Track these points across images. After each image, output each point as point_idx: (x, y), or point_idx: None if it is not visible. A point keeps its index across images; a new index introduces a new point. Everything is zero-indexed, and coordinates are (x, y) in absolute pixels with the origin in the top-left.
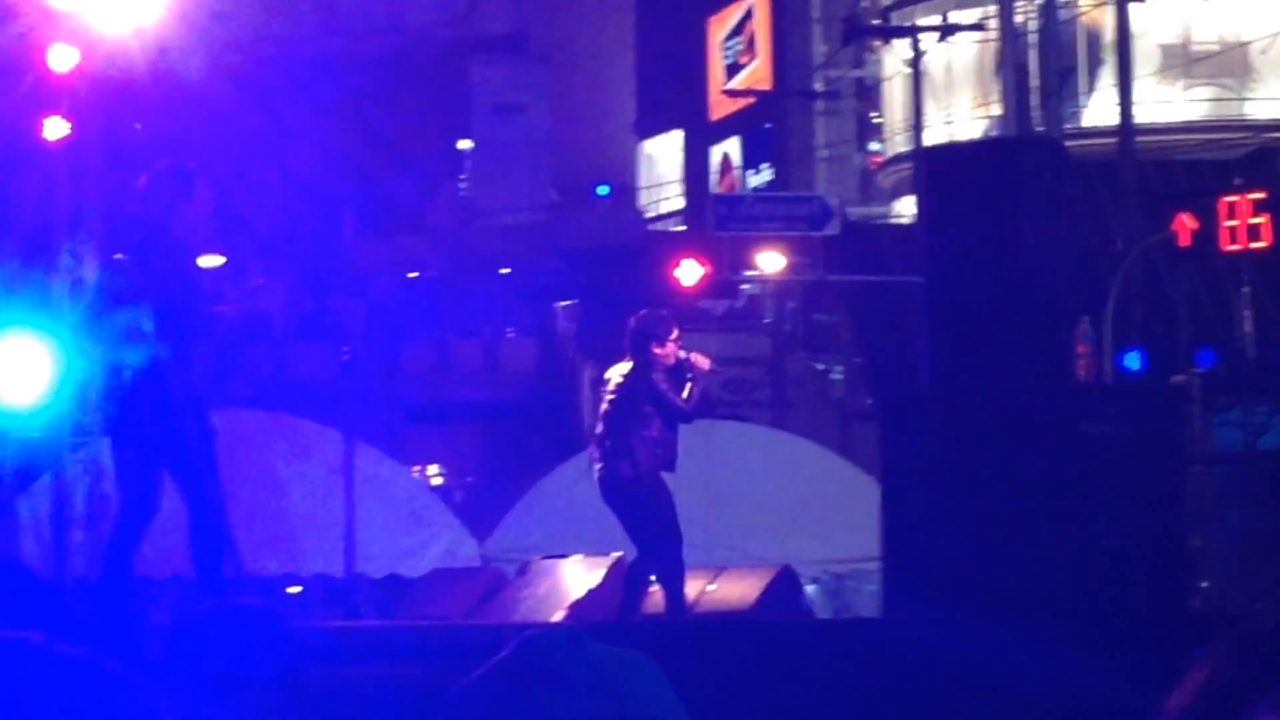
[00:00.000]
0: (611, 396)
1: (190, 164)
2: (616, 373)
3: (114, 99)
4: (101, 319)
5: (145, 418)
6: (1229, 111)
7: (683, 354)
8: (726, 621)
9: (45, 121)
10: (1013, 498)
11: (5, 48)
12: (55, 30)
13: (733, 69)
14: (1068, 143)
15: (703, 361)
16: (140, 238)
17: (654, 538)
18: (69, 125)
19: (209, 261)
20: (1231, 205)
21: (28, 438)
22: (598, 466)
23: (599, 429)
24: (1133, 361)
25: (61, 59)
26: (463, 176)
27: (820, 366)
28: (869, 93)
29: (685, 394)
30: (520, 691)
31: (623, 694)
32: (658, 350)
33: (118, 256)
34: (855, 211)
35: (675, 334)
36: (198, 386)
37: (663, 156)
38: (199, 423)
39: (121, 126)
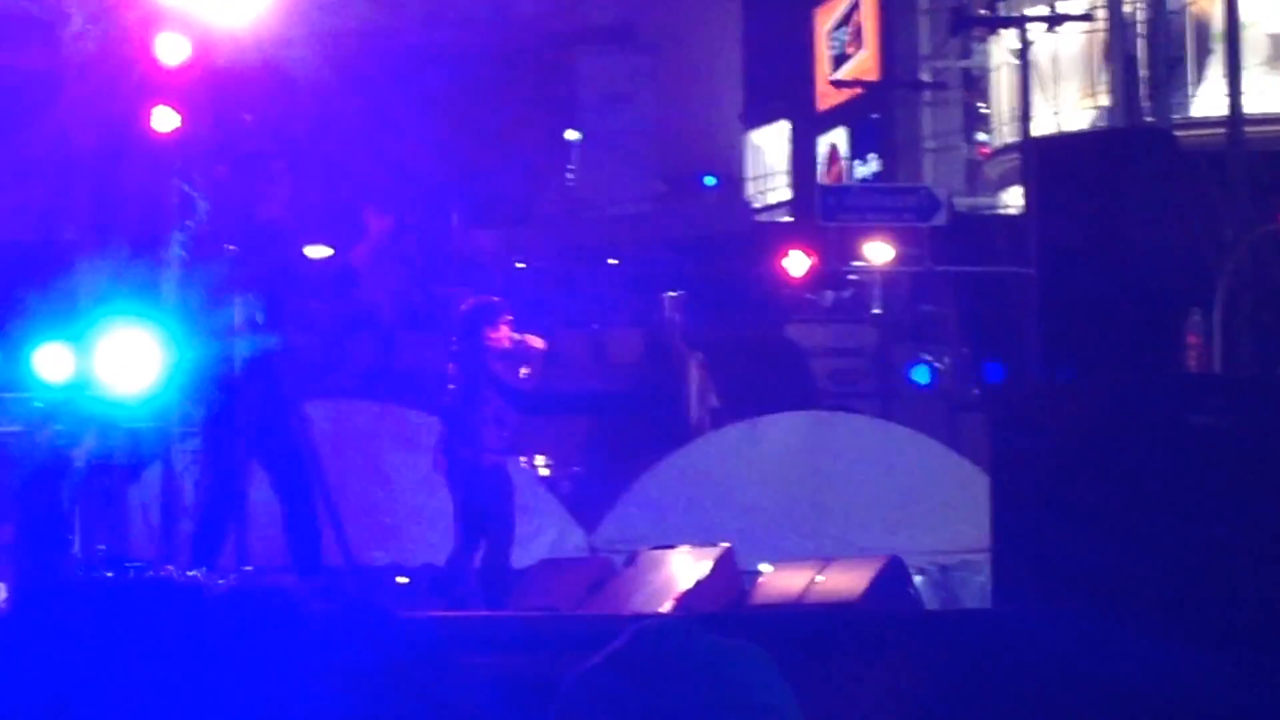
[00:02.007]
0: (451, 385)
1: (269, 150)
2: (455, 361)
3: (223, 89)
4: (199, 309)
5: (243, 408)
6: None
7: (516, 336)
8: (834, 612)
9: (154, 112)
10: (1122, 489)
11: (114, 39)
12: (164, 21)
13: (839, 59)
14: (1176, 133)
15: (536, 341)
16: (225, 226)
17: (489, 527)
18: (178, 116)
19: (316, 251)
20: None
21: (137, 428)
22: (441, 452)
23: (443, 417)
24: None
25: (170, 50)
26: (570, 167)
27: (927, 357)
28: (976, 83)
29: (522, 374)
30: (634, 681)
31: (735, 684)
32: (491, 334)
33: (230, 247)
34: (962, 202)
35: (508, 317)
36: (295, 377)
37: (770, 147)
38: (295, 413)
39: (230, 117)
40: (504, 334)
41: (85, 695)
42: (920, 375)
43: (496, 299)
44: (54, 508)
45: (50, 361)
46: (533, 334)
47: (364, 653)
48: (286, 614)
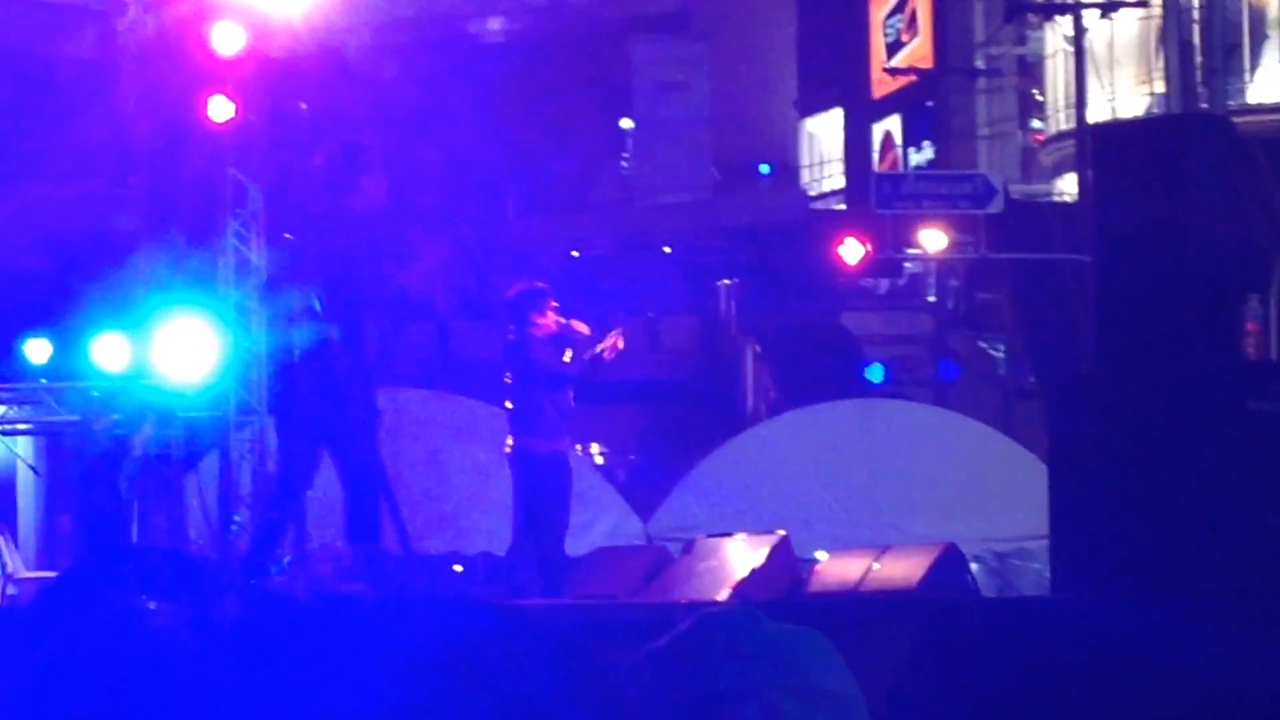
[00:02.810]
0: (507, 373)
1: (364, 140)
2: (508, 349)
3: (279, 78)
4: (273, 299)
5: (311, 396)
6: None
7: (562, 320)
8: (890, 600)
9: (210, 101)
10: (1180, 476)
11: (170, 28)
12: (220, 10)
13: (894, 47)
14: (1232, 119)
15: (581, 326)
16: (315, 216)
17: (543, 514)
18: (234, 105)
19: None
20: None
21: (194, 417)
22: (508, 441)
23: (508, 405)
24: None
25: (226, 39)
26: (624, 155)
27: (980, 344)
28: (1031, 70)
29: (566, 358)
30: (697, 666)
31: (798, 669)
32: (539, 320)
33: (286, 236)
34: (1017, 189)
35: (553, 303)
36: (367, 367)
37: (824, 134)
38: (364, 403)
39: (286, 106)
40: (550, 320)
41: (139, 681)
42: (874, 374)
43: (541, 284)
44: (112, 496)
45: (108, 351)
46: (579, 320)
47: (420, 640)
48: (342, 602)
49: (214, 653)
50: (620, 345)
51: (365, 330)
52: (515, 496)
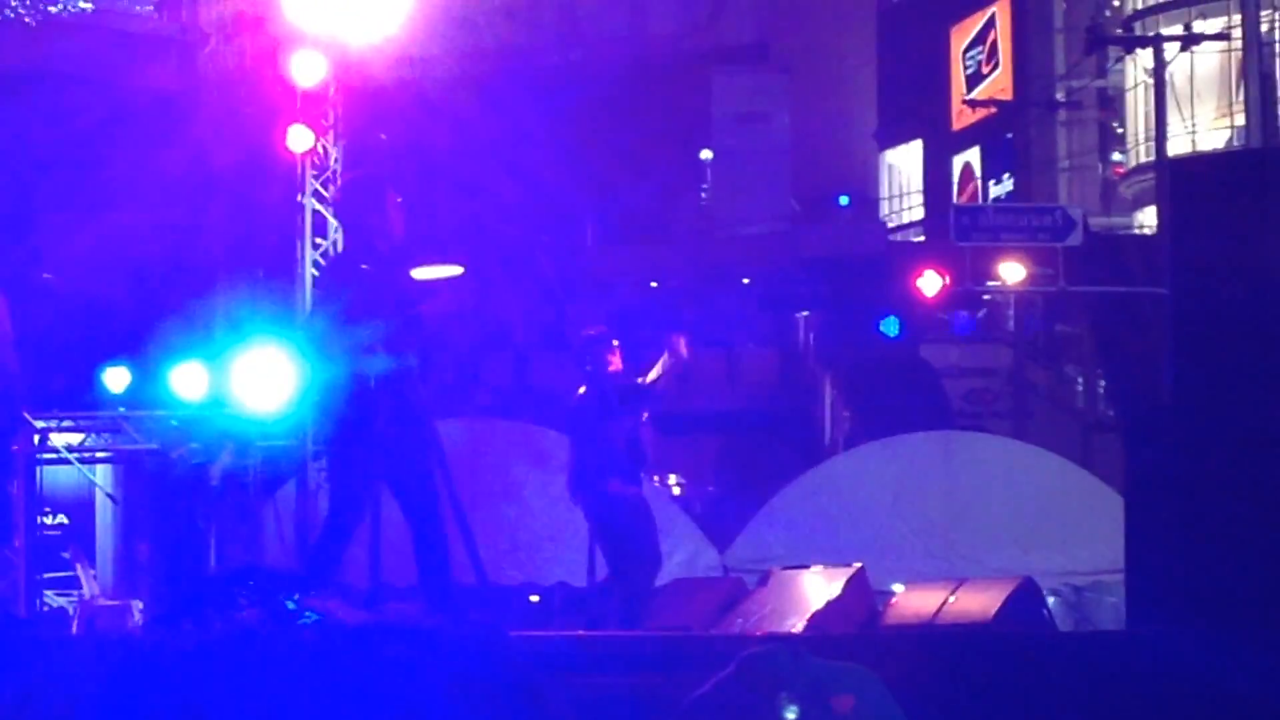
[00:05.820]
0: (578, 408)
1: (380, 173)
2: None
3: (359, 109)
4: (313, 330)
5: (359, 429)
6: None
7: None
8: (967, 634)
9: (289, 131)
10: (1259, 508)
11: (251, 58)
12: (300, 41)
13: (974, 79)
14: None
15: (681, 347)
16: (344, 246)
17: (628, 554)
18: (313, 135)
19: (437, 272)
20: None
21: (271, 446)
22: (572, 479)
23: (571, 444)
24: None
25: (306, 69)
26: (704, 186)
27: (1059, 376)
28: (1111, 102)
29: (653, 377)
30: (743, 706)
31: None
32: (611, 358)
33: (364, 267)
34: (1097, 222)
35: (614, 345)
36: (416, 397)
37: (904, 166)
38: (418, 434)
39: (366, 136)
40: (617, 360)
41: (213, 714)
42: (889, 328)
43: (597, 330)
44: (189, 525)
45: (186, 380)
46: (674, 347)
47: (494, 673)
48: (415, 636)
49: (281, 679)
50: (684, 350)
51: (409, 361)
52: (599, 535)
